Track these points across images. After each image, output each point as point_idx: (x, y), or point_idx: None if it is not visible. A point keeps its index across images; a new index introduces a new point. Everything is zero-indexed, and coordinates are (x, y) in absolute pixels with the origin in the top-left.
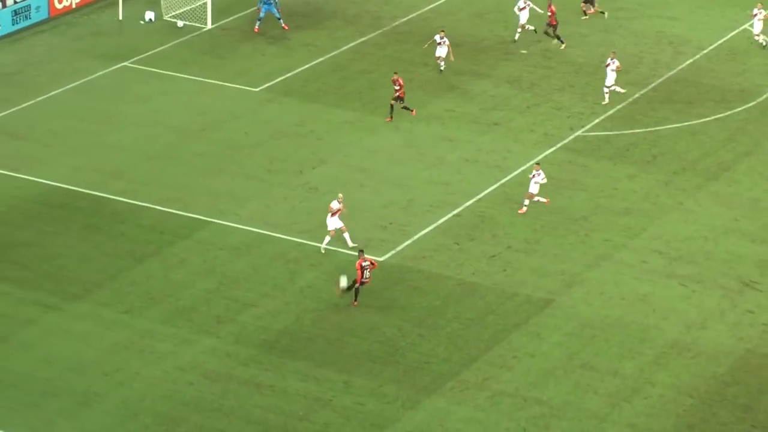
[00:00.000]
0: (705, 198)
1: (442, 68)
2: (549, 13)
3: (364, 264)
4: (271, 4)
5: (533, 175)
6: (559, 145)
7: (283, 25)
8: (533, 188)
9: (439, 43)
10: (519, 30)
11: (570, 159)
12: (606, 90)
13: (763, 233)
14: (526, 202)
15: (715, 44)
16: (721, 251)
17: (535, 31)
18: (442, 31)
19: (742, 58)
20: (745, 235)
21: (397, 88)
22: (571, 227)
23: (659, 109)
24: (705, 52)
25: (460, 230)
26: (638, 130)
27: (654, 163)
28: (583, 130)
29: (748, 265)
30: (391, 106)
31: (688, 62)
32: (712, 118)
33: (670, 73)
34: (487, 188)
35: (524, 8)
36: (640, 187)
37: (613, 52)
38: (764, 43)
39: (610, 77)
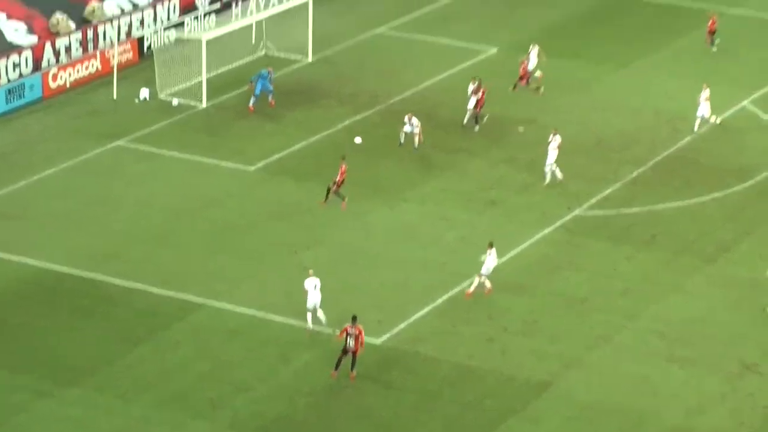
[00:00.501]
0: (704, 279)
1: (416, 145)
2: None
3: (350, 330)
4: (266, 78)
5: (489, 254)
6: (556, 224)
7: (271, 100)
8: (488, 266)
9: (406, 124)
10: (468, 113)
11: (568, 239)
12: (547, 169)
13: (763, 315)
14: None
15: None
16: (722, 333)
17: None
18: (410, 114)
19: (740, 137)
20: (746, 316)
21: (340, 174)
22: (569, 308)
23: (657, 189)
24: (703, 130)
25: (456, 311)
26: (637, 210)
27: (653, 243)
28: (580, 209)
29: (749, 348)
30: (329, 189)
31: (686, 140)
32: (711, 197)
33: (668, 152)
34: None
35: (474, 93)
36: (639, 268)
37: (555, 129)
38: (718, 122)
39: (552, 156)
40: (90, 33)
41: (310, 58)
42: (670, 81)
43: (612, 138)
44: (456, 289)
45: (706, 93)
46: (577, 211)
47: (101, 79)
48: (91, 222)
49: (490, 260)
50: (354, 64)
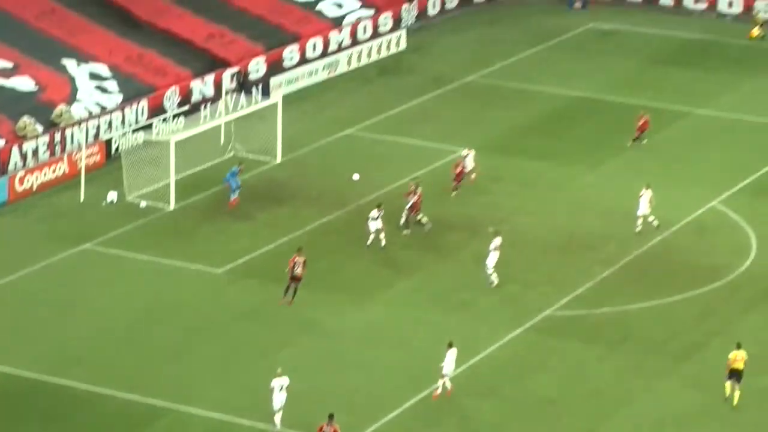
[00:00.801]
0: (676, 380)
1: (382, 244)
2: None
3: (325, 429)
4: (235, 174)
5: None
6: (527, 325)
7: (234, 198)
8: (448, 367)
9: (375, 219)
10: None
11: (538, 340)
12: (489, 271)
13: (735, 416)
14: None
15: (684, 221)
16: None
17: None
18: (378, 206)
19: (711, 236)
20: (718, 418)
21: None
22: (539, 411)
23: (628, 289)
24: (674, 229)
25: (426, 415)
26: (607, 310)
27: (624, 343)
28: (550, 310)
29: None
30: (287, 287)
31: (656, 240)
32: (681, 297)
33: (638, 252)
34: (454, 371)
35: (409, 195)
36: (609, 369)
37: (496, 231)
38: (656, 224)
39: (492, 257)
40: (57, 136)
41: (278, 160)
42: (640, 181)
43: (583, 238)
44: (425, 392)
45: (647, 193)
46: (547, 312)
47: (68, 181)
48: (57, 327)
49: (449, 361)
50: (323, 165)
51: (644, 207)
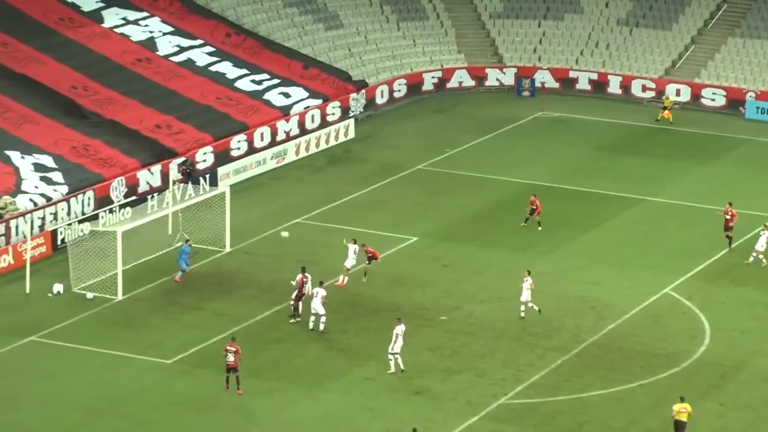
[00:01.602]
0: None
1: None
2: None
3: None
4: (187, 252)
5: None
6: (482, 413)
7: (177, 277)
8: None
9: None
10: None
11: (493, 428)
12: (391, 357)
13: None
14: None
15: (638, 308)
16: None
17: None
18: (359, 242)
19: (665, 322)
20: None
21: (729, 217)
22: None
23: (583, 376)
24: (627, 316)
25: None
26: (563, 398)
27: (580, 431)
28: (506, 397)
29: None
30: (227, 378)
31: (611, 327)
32: (638, 384)
33: (593, 339)
34: None
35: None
36: None
37: (398, 319)
38: (537, 309)
39: (398, 344)
40: (2, 227)
41: (228, 249)
42: (593, 267)
43: (537, 324)
44: None
45: (528, 280)
46: (503, 399)
47: (13, 273)
48: (1, 420)
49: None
50: (273, 254)
51: (526, 294)
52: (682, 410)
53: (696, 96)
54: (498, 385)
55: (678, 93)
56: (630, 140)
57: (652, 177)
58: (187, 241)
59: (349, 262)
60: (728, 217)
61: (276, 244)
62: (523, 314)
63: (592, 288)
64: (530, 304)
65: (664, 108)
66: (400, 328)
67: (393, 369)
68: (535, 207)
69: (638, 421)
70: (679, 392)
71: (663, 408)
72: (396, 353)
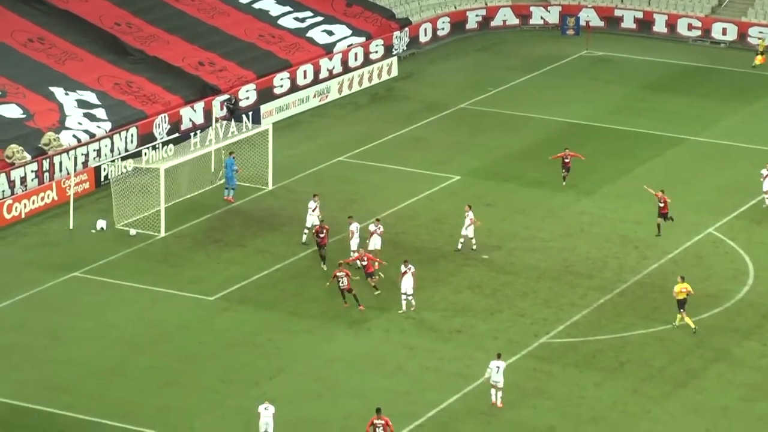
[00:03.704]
0: (674, 406)
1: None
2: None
3: (376, 422)
4: (230, 167)
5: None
6: (523, 352)
7: (230, 197)
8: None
9: (374, 233)
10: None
11: (535, 366)
12: (404, 298)
13: None
14: None
15: (681, 248)
16: None
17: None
18: (377, 220)
19: (708, 263)
20: None
21: (662, 204)
22: None
23: (625, 315)
24: (671, 256)
25: None
26: (604, 337)
27: (621, 370)
28: (547, 336)
29: None
30: (342, 292)
31: (654, 266)
32: (679, 323)
33: (636, 278)
34: (449, 398)
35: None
36: (608, 395)
37: (405, 261)
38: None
39: (409, 284)
40: (46, 163)
41: (270, 186)
42: (636, 207)
43: (579, 264)
44: (421, 419)
45: (470, 214)
46: (544, 338)
47: (57, 209)
48: (44, 356)
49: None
50: (315, 192)
51: (469, 229)
52: (682, 290)
53: (743, 35)
54: (539, 324)
55: (724, 32)
56: (674, 79)
57: (696, 116)
58: (231, 153)
59: (354, 242)
60: (662, 205)
61: (318, 182)
62: (459, 246)
63: (635, 228)
64: (473, 242)
65: (760, 53)
66: (408, 267)
67: (404, 308)
68: (567, 160)
69: (678, 360)
70: (720, 333)
71: (704, 348)
72: (408, 294)
